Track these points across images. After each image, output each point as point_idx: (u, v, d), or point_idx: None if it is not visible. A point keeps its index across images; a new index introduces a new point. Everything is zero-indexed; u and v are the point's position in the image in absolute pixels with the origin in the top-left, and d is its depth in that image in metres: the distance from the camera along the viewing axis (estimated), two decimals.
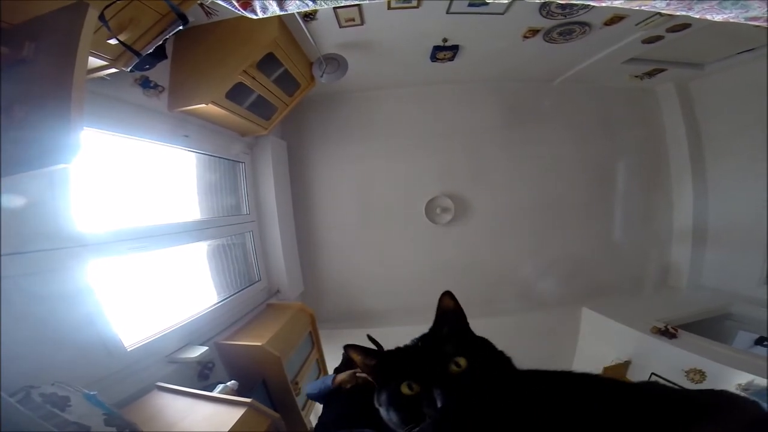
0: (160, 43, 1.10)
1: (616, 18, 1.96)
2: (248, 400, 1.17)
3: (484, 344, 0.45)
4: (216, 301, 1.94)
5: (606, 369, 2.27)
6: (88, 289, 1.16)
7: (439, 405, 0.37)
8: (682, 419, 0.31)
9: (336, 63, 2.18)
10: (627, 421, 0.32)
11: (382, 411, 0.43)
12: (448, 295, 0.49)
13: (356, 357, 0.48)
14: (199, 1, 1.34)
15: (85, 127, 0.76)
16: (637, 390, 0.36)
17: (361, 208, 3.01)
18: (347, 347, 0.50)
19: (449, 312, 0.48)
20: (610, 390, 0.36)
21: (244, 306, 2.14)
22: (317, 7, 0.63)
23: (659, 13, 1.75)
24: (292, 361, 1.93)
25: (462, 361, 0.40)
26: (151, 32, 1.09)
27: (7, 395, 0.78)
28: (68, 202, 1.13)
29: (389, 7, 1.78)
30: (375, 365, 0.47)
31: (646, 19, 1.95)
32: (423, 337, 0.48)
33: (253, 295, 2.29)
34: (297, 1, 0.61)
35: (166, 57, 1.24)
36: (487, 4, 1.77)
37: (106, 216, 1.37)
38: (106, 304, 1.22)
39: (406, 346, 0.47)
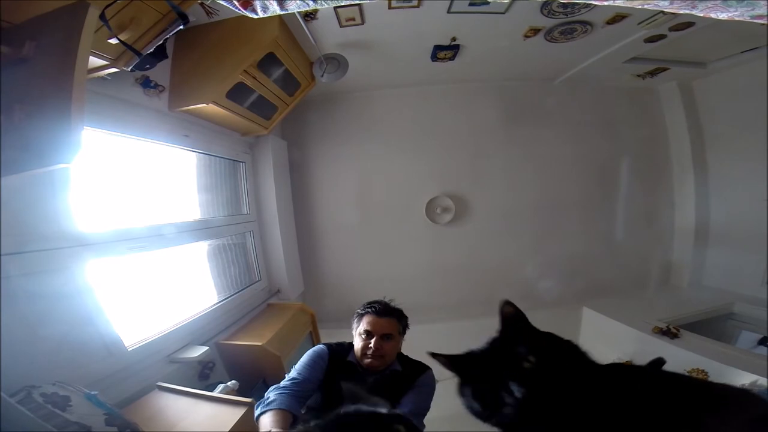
0: (161, 42, 1.10)
1: (618, 17, 1.95)
2: (249, 400, 1.16)
3: (550, 338, 0.51)
4: (216, 301, 1.94)
5: None
6: (89, 288, 1.16)
7: (518, 396, 0.43)
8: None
9: (336, 63, 2.17)
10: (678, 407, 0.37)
11: (465, 401, 0.49)
12: (507, 303, 0.55)
13: (441, 360, 0.55)
14: (199, 1, 1.34)
15: (85, 127, 0.76)
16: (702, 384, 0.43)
17: (362, 207, 3.01)
18: (433, 355, 0.56)
19: (510, 317, 0.54)
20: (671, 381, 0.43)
21: (245, 306, 2.14)
22: (318, 7, 0.63)
23: (662, 12, 1.74)
24: (292, 361, 1.92)
25: (533, 359, 0.46)
26: (152, 32, 1.09)
27: (7, 395, 0.78)
28: (68, 202, 1.13)
29: (390, 7, 1.77)
30: (456, 368, 0.53)
31: (649, 18, 1.94)
32: (493, 341, 0.54)
33: (253, 295, 2.30)
34: (297, 1, 0.60)
35: (166, 56, 1.24)
36: (488, 3, 1.76)
37: (106, 216, 1.37)
38: (107, 304, 1.22)
39: (480, 349, 0.54)
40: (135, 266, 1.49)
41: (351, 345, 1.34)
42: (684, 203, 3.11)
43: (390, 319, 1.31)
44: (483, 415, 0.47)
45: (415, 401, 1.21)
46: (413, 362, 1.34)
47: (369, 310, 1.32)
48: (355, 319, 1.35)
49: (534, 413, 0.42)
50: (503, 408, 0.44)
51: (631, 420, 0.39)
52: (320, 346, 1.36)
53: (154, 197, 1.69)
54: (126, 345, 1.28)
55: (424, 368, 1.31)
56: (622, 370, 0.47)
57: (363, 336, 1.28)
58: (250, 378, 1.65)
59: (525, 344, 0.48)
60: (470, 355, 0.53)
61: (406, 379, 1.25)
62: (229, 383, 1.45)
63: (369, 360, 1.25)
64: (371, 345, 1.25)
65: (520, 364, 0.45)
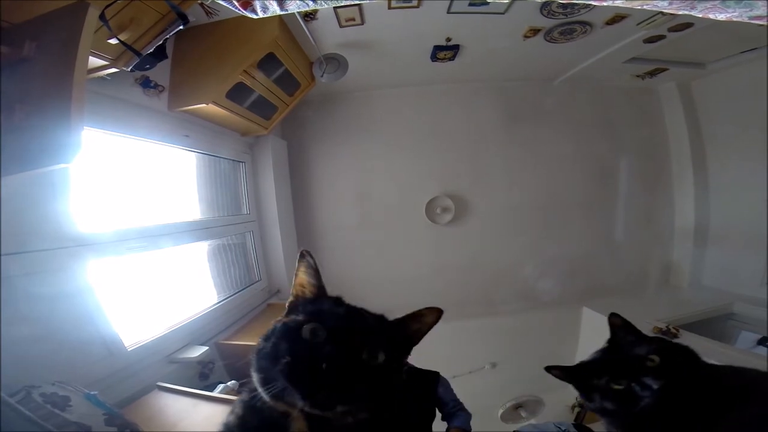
0: (161, 42, 1.10)
1: (617, 17, 1.95)
2: None
3: (661, 342, 0.56)
4: (216, 301, 1.94)
5: None
6: (89, 288, 1.17)
7: (655, 387, 0.48)
8: None
9: (336, 63, 2.17)
10: None
11: (595, 405, 0.56)
12: (614, 315, 0.62)
13: (555, 373, 0.62)
14: (199, 1, 1.34)
15: (85, 127, 0.76)
16: None
17: (362, 207, 3.01)
18: (549, 369, 0.63)
19: (619, 327, 0.60)
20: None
21: (245, 306, 2.14)
22: (317, 7, 0.63)
23: (661, 13, 1.75)
24: None
25: (655, 358, 0.51)
26: (152, 32, 1.09)
27: (7, 395, 0.78)
28: (68, 202, 1.13)
29: (389, 7, 1.77)
30: (573, 378, 0.60)
31: (648, 18, 1.94)
32: (605, 350, 0.61)
33: (253, 295, 2.29)
34: (297, 1, 0.60)
35: (166, 57, 1.24)
36: (488, 3, 1.77)
37: (106, 216, 1.37)
38: (107, 304, 1.22)
39: (595, 359, 0.60)
40: (135, 266, 1.49)
41: None
42: (684, 203, 3.11)
43: None
44: (615, 413, 0.53)
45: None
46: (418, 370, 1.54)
47: None
48: None
49: (672, 402, 0.48)
50: (641, 401, 0.49)
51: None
52: None
53: (154, 197, 1.69)
54: (126, 345, 1.28)
55: (434, 375, 1.53)
56: (732, 369, 0.53)
57: None
58: (250, 378, 1.64)
59: (641, 347, 0.54)
60: (586, 365, 0.59)
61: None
62: (228, 383, 1.45)
63: None
64: None
65: (644, 364, 0.51)
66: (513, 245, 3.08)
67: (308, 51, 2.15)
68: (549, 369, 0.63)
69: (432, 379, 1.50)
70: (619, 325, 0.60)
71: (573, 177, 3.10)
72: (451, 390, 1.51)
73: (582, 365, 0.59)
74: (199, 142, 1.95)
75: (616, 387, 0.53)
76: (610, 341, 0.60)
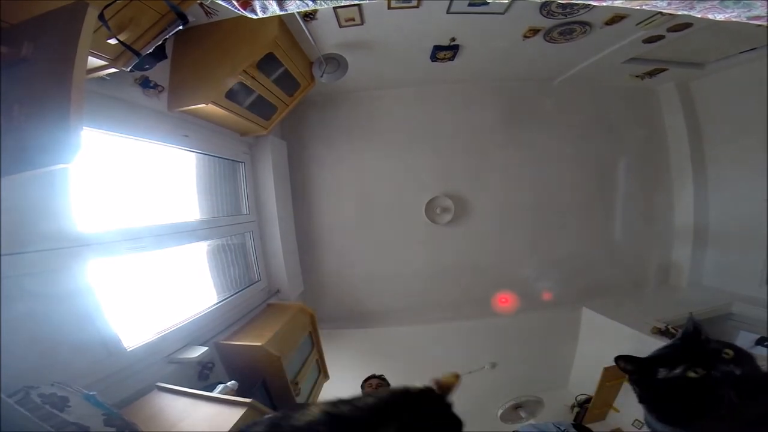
0: (160, 42, 1.10)
1: (616, 17, 1.96)
2: (248, 400, 1.16)
3: (730, 344, 0.57)
4: (216, 301, 1.94)
5: (606, 370, 2.27)
6: (88, 289, 1.16)
7: (738, 373, 0.50)
8: None
9: (336, 63, 2.17)
10: None
11: (660, 392, 0.57)
12: (692, 316, 0.64)
13: (624, 364, 0.62)
14: (199, 1, 1.34)
15: (84, 127, 0.76)
16: None
17: (361, 207, 3.01)
18: (618, 360, 0.63)
19: (693, 326, 0.62)
20: None
21: (244, 306, 2.14)
22: (317, 7, 0.63)
23: (660, 13, 1.75)
24: (292, 361, 1.93)
25: (730, 351, 0.54)
26: (151, 32, 1.09)
27: (6, 396, 0.78)
28: (68, 202, 1.13)
29: (389, 7, 1.77)
30: (641, 369, 0.61)
31: (647, 18, 1.94)
32: (676, 346, 0.61)
33: (253, 295, 2.29)
34: (297, 1, 0.60)
35: (166, 57, 1.24)
36: (488, 3, 1.77)
37: (106, 216, 1.37)
38: (106, 305, 1.22)
39: (662, 353, 0.61)
40: (135, 266, 1.49)
41: None
42: (683, 203, 3.11)
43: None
44: (680, 406, 0.54)
45: None
46: None
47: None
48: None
49: (751, 389, 0.49)
50: (719, 389, 0.50)
51: None
52: None
53: (154, 197, 1.68)
54: (125, 345, 1.28)
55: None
56: None
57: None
58: (250, 378, 1.64)
59: (716, 343, 0.56)
60: (657, 357, 0.60)
61: None
62: (228, 383, 1.45)
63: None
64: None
65: (720, 356, 0.53)
66: (513, 245, 3.09)
67: (308, 51, 2.15)
68: (618, 359, 0.63)
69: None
70: (693, 324, 0.62)
71: (573, 177, 3.10)
72: None
73: (652, 357, 0.60)
74: (199, 142, 1.95)
75: (692, 375, 0.54)
76: (682, 338, 0.62)
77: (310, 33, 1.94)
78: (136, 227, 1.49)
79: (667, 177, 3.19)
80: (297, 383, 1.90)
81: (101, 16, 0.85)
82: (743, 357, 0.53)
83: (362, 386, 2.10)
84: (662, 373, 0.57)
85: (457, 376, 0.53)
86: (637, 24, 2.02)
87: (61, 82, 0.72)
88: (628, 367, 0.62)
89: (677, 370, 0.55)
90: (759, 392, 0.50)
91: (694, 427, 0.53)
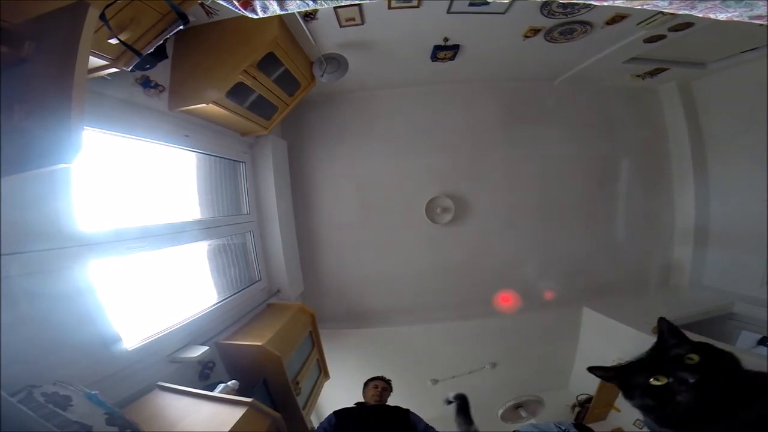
0: (161, 42, 1.10)
1: (617, 17, 1.95)
2: (249, 399, 1.17)
3: (706, 346, 0.58)
4: (216, 301, 1.94)
5: None
6: (89, 288, 1.17)
7: (691, 381, 0.51)
8: None
9: (336, 62, 2.17)
10: None
11: (636, 402, 0.59)
12: (663, 320, 0.64)
13: (601, 373, 0.66)
14: (199, 1, 1.34)
15: (85, 127, 0.76)
16: None
17: (362, 207, 3.01)
18: (592, 370, 0.67)
19: (665, 331, 0.63)
20: None
21: (245, 306, 2.14)
22: (317, 7, 0.63)
23: (662, 12, 1.74)
24: (292, 361, 1.93)
25: (695, 357, 0.55)
26: (152, 32, 1.09)
27: (8, 395, 0.78)
28: (68, 202, 1.13)
29: (390, 7, 1.77)
30: (616, 376, 0.64)
31: (649, 18, 1.94)
32: (650, 351, 0.63)
33: (253, 295, 2.30)
34: (297, 1, 0.60)
35: (166, 56, 1.24)
36: (488, 3, 1.76)
37: (106, 216, 1.37)
38: (107, 304, 1.22)
39: (639, 359, 0.63)
40: (135, 266, 1.49)
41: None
42: (684, 203, 3.11)
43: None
44: (654, 408, 0.56)
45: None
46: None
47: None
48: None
49: (707, 396, 0.51)
50: (678, 396, 0.53)
51: None
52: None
53: (154, 197, 1.69)
54: (126, 345, 1.28)
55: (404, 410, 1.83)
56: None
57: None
58: (250, 378, 1.65)
59: (684, 347, 0.57)
60: (629, 365, 0.62)
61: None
62: (229, 383, 1.45)
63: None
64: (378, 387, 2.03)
65: (683, 361, 0.55)
66: (513, 245, 3.08)
67: (308, 51, 2.15)
68: (592, 370, 0.66)
69: (403, 412, 1.80)
70: (665, 329, 0.63)
71: (573, 177, 3.10)
72: (421, 418, 1.79)
73: (625, 365, 0.63)
74: (199, 142, 1.95)
75: (655, 383, 0.56)
76: (655, 344, 0.63)
77: (310, 33, 1.94)
78: (137, 227, 1.49)
79: (668, 177, 3.18)
80: (298, 383, 1.90)
81: (102, 16, 0.85)
82: (711, 361, 0.54)
83: (365, 387, 2.10)
84: (637, 379, 0.59)
85: None
86: (638, 24, 2.02)
87: (63, 82, 0.72)
88: (603, 374, 0.65)
89: (641, 378, 0.58)
90: (720, 396, 0.50)
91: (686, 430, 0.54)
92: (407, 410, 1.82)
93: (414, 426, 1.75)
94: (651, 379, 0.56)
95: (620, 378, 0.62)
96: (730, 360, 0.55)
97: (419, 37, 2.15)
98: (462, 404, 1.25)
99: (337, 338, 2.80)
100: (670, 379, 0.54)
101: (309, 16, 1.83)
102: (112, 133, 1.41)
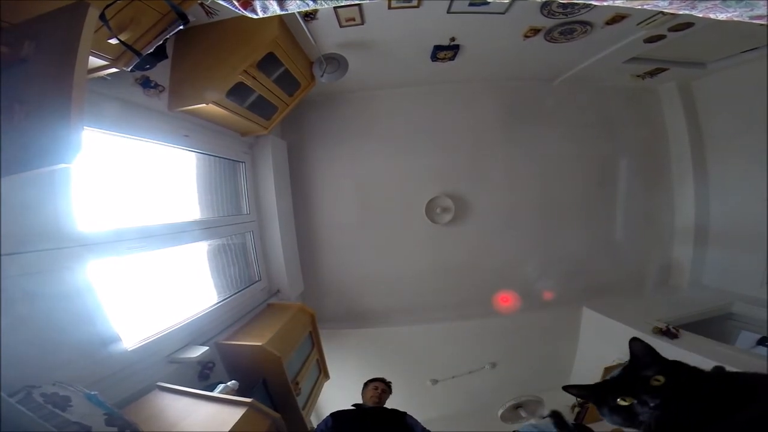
0: (161, 42, 1.10)
1: (617, 17, 1.95)
2: (249, 400, 1.17)
3: (677, 365, 0.59)
4: (216, 301, 1.94)
5: (606, 369, 2.27)
6: (89, 288, 1.16)
7: (651, 405, 0.54)
8: None
9: (336, 63, 2.17)
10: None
11: (607, 417, 0.62)
12: (635, 340, 0.65)
13: (576, 392, 0.67)
14: (199, 1, 1.34)
15: (85, 127, 0.76)
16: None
17: (362, 207, 3.01)
18: (567, 389, 0.68)
19: (638, 350, 0.64)
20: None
21: (245, 306, 2.14)
22: (317, 7, 0.63)
23: (662, 12, 1.74)
24: (292, 361, 1.93)
25: (660, 378, 0.56)
26: (152, 32, 1.09)
27: (7, 395, 0.78)
28: (68, 202, 1.13)
29: (390, 7, 1.77)
30: (590, 395, 0.65)
31: (649, 18, 1.94)
32: (622, 371, 0.65)
33: (253, 295, 2.30)
34: (297, 1, 0.60)
35: (166, 57, 1.24)
36: (488, 3, 1.77)
37: (106, 216, 1.37)
38: (107, 304, 1.22)
39: (612, 377, 0.64)
40: (135, 266, 1.49)
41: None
42: (684, 203, 3.11)
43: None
44: (625, 426, 0.59)
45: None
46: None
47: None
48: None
49: (668, 417, 0.52)
50: (640, 416, 0.55)
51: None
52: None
53: (154, 197, 1.69)
54: (126, 345, 1.28)
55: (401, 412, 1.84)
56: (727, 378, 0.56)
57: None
58: (250, 378, 1.65)
59: (652, 369, 0.59)
60: (601, 385, 0.64)
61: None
62: (229, 383, 1.45)
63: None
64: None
65: (649, 383, 0.56)
66: (513, 245, 3.08)
67: (308, 51, 2.14)
68: (567, 388, 0.68)
69: (400, 414, 1.81)
70: (638, 348, 0.64)
71: (573, 177, 3.10)
72: (417, 421, 1.81)
73: (597, 385, 0.65)
74: (200, 142, 1.95)
75: (622, 404, 0.58)
76: (627, 363, 0.65)
77: (310, 33, 1.94)
78: (136, 227, 1.49)
79: (667, 177, 3.18)
80: (297, 383, 1.90)
81: (102, 16, 0.85)
82: (676, 383, 0.55)
83: (364, 388, 2.10)
84: (607, 399, 0.61)
85: None
86: (638, 24, 2.02)
87: (62, 82, 0.72)
88: (577, 393, 0.67)
89: (610, 398, 0.60)
90: (684, 416, 0.51)
91: None
92: (404, 413, 1.83)
93: (411, 429, 1.76)
94: (618, 400, 0.59)
95: (594, 396, 0.64)
96: (700, 379, 0.56)
97: (419, 37, 2.15)
98: (558, 421, 1.23)
99: (336, 338, 2.80)
100: (635, 401, 0.56)
101: (309, 16, 1.83)
102: (112, 133, 1.40)
